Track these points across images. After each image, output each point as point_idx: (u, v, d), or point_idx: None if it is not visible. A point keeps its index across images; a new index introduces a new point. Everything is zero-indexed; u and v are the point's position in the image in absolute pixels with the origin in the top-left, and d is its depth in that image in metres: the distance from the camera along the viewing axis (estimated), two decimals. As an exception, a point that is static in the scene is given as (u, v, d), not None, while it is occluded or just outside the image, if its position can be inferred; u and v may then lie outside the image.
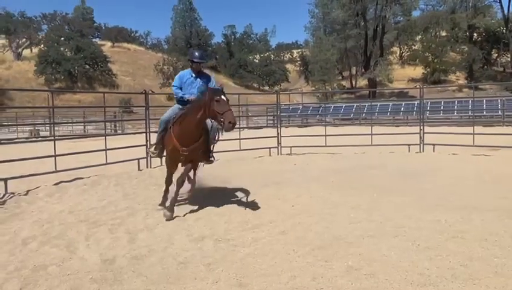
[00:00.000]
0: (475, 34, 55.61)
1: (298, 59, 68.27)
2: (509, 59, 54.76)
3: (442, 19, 55.99)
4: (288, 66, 67.38)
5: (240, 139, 11.50)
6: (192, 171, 6.40)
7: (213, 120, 5.57)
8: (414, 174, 8.30)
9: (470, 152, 10.76)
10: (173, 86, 6.35)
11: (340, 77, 61.03)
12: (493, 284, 3.31)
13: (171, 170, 6.08)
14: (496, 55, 57.32)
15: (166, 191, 6.13)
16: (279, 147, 11.89)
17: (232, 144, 11.45)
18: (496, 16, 55.61)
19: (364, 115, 27.20)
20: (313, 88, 53.90)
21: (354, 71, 59.43)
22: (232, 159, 10.86)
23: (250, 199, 6.45)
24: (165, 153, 6.25)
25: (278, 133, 11.98)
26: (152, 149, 6.54)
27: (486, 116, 25.83)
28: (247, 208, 5.89)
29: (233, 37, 72.71)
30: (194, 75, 6.26)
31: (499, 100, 26.60)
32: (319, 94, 48.93)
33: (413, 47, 60.07)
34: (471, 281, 3.37)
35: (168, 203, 5.81)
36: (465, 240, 4.31)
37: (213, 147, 6.27)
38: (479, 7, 54.83)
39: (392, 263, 3.78)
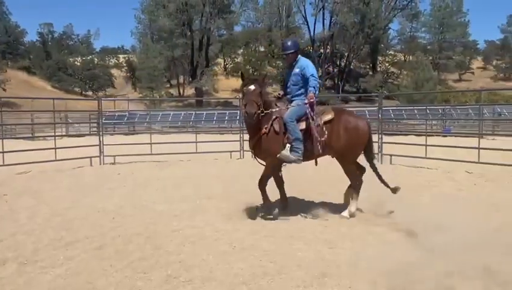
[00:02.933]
0: (288, 52, 62.13)
1: (125, 64, 65.81)
2: (315, 75, 62.68)
3: (260, 36, 60.96)
4: (114, 72, 64.37)
5: (55, 148, 10.48)
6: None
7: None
8: (235, 179, 8.73)
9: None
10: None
11: (169, 85, 61.13)
12: (296, 276, 3.68)
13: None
14: (305, 71, 65.03)
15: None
16: (102, 156, 11.22)
17: (46, 153, 10.38)
18: (304, 37, 63.22)
19: (191, 123, 27.70)
20: (141, 95, 52.69)
21: (181, 80, 60.20)
22: (46, 170, 9.85)
23: (65, 214, 5.91)
24: None
25: (100, 142, 11.30)
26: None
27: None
28: (61, 224, 5.37)
29: (50, 36, 66.01)
30: (288, 66, 5.93)
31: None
32: (147, 101, 48.03)
33: (236, 59, 63.97)
34: (279, 275, 3.70)
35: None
36: (275, 238, 4.72)
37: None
38: (291, 27, 61.58)
39: (210, 267, 3.89)
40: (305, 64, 5.67)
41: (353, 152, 5.77)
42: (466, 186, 7.71)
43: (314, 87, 5.52)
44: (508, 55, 67.57)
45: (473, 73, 68.89)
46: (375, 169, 5.98)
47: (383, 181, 5.91)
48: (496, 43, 71.28)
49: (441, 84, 56.58)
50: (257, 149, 5.57)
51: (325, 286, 3.49)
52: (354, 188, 5.79)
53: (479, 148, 9.49)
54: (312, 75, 5.57)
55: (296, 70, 5.66)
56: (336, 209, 5.86)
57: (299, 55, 5.82)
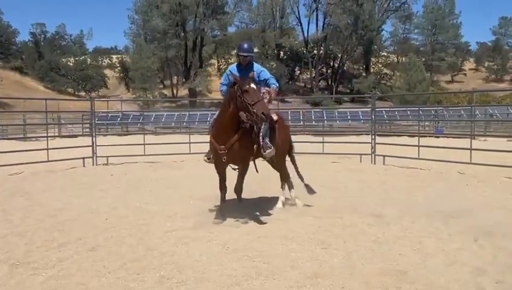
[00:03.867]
0: (282, 52, 62.39)
1: (118, 65, 65.54)
2: (309, 76, 62.92)
3: (254, 37, 61.00)
4: (107, 72, 64.15)
5: (48, 149, 10.42)
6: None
7: (246, 113, 5.00)
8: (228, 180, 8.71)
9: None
10: (221, 84, 5.88)
11: (162, 86, 60.99)
12: (289, 276, 3.69)
13: (220, 175, 5.69)
14: (299, 72, 65.27)
15: (223, 199, 5.74)
16: (95, 157, 11.17)
17: (38, 154, 10.31)
18: (298, 38, 63.42)
19: (185, 123, 27.66)
20: (134, 96, 52.54)
21: (175, 80, 60.09)
22: (39, 171, 9.80)
23: (57, 215, 5.87)
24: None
25: (93, 142, 11.24)
26: (205, 157, 5.87)
27: (291, 126, 29.03)
28: (53, 225, 5.33)
29: (43, 36, 65.59)
30: (242, 69, 5.71)
31: (301, 111, 30.29)
32: (140, 102, 47.91)
33: (230, 60, 63.96)
34: (272, 276, 3.70)
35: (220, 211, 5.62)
36: (268, 239, 4.72)
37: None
38: (284, 28, 61.70)
39: (203, 268, 3.88)
40: (261, 69, 5.87)
41: (287, 147, 6.37)
42: (458, 187, 7.75)
43: (276, 85, 5.81)
44: (499, 57, 68.25)
45: (465, 74, 69.44)
46: (294, 162, 6.55)
47: (299, 175, 6.40)
48: (488, 44, 71.94)
49: (434, 85, 56.95)
50: (234, 153, 5.31)
51: (318, 286, 3.49)
52: (284, 180, 6.31)
53: (471, 149, 9.55)
54: (271, 78, 5.84)
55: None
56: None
57: (252, 61, 5.96)
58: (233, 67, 5.82)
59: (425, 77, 49.36)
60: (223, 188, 5.70)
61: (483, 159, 9.32)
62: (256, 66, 5.87)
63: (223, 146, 5.24)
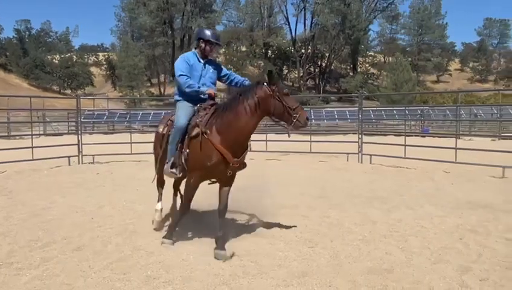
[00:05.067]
0: (270, 51, 62.42)
1: (104, 63, 64.86)
2: (297, 75, 63.08)
3: (242, 36, 60.93)
4: (94, 70, 63.45)
5: (32, 147, 10.27)
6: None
7: (276, 118, 4.29)
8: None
9: (265, 156, 11.89)
10: (181, 74, 4.60)
11: (149, 84, 60.53)
12: (277, 275, 3.69)
13: (192, 193, 4.47)
14: (287, 71, 65.39)
15: (175, 222, 4.67)
16: (80, 156, 11.04)
17: (22, 153, 10.16)
18: (286, 37, 63.51)
19: (172, 122, 27.46)
20: (120, 94, 52.07)
21: (162, 78, 59.69)
22: (23, 170, 9.65)
23: (42, 214, 5.78)
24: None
25: (78, 141, 11.11)
26: (173, 170, 4.57)
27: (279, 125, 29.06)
28: (37, 225, 5.25)
29: (27, 33, 64.59)
30: (201, 60, 4.75)
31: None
32: (127, 100, 47.51)
33: (218, 59, 63.78)
34: (260, 275, 3.69)
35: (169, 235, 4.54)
36: (256, 238, 4.72)
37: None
38: (272, 27, 61.72)
39: (190, 267, 3.86)
40: (219, 64, 5.15)
41: None
42: (444, 186, 7.83)
43: (247, 81, 5.06)
44: (483, 58, 69.23)
45: (450, 75, 70.32)
46: None
47: None
48: (473, 45, 72.94)
49: (420, 85, 57.55)
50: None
51: (305, 284, 3.50)
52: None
53: (456, 148, 9.68)
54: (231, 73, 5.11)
55: (212, 69, 4.85)
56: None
57: None
58: (188, 56, 4.76)
59: (411, 76, 49.81)
60: (187, 209, 4.56)
61: (468, 158, 9.44)
62: (214, 61, 4.99)
63: (236, 159, 4.27)
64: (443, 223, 5.25)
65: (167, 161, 4.67)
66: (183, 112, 4.57)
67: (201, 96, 4.60)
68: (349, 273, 3.70)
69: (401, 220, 5.35)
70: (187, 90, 4.58)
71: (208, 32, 4.80)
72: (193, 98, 4.61)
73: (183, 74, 4.61)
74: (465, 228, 5.04)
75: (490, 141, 15.94)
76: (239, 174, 4.57)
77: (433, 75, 68.32)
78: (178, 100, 4.76)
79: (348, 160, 11.28)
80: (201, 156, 4.23)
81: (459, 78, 69.25)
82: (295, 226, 5.11)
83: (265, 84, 4.25)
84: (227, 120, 4.21)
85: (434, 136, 19.18)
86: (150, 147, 11.48)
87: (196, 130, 4.29)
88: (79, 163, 10.90)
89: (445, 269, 3.81)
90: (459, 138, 13.61)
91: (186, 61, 4.66)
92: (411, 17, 64.48)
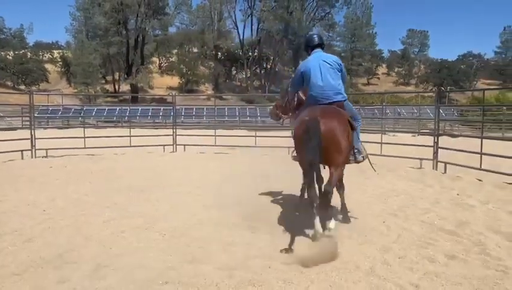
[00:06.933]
0: (219, 53, 61.93)
1: (59, 60, 61.24)
2: (244, 76, 63.13)
3: (194, 37, 59.91)
4: (48, 67, 59.70)
5: (-17, 142, 9.55)
6: None
7: None
8: (168, 171, 8.54)
9: (213, 151, 11.83)
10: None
11: (104, 81, 58.06)
12: (221, 260, 3.67)
13: None
14: (235, 72, 65.29)
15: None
16: (34, 150, 10.40)
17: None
18: (234, 40, 63.26)
19: (126, 118, 26.62)
20: (76, 90, 49.59)
21: (117, 76, 57.51)
22: (-28, 164, 8.95)
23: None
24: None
25: (31, 135, 10.46)
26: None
27: (228, 121, 29.06)
28: (-14, 219, 4.89)
29: (-21, 29, 59.67)
30: None
31: (237, 108, 30.35)
32: (82, 96, 45.34)
33: (171, 59, 62.48)
34: (206, 260, 3.67)
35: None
36: (204, 226, 4.68)
37: None
38: (222, 31, 61.20)
39: (140, 255, 3.76)
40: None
41: None
42: (371, 176, 8.16)
43: None
44: (407, 64, 72.89)
45: (378, 78, 73.30)
46: None
47: None
48: (398, 52, 76.52)
49: (353, 87, 59.41)
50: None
51: (250, 268, 3.51)
52: None
53: (381, 143, 10.12)
54: None
55: None
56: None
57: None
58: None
59: (345, 79, 51.23)
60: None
61: (392, 151, 9.91)
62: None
63: None
64: (369, 208, 5.49)
65: (355, 150, 4.85)
66: None
67: None
68: (287, 254, 3.75)
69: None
70: None
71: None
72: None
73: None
74: (388, 212, 5.30)
75: (411, 137, 16.82)
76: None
77: (364, 78, 70.77)
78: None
79: (289, 153, 11.40)
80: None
81: (386, 82, 72.35)
82: (240, 214, 5.10)
83: None
84: None
85: (363, 132, 19.90)
86: (104, 142, 11.15)
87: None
88: (32, 157, 10.27)
89: (369, 248, 3.98)
90: (385, 134, 14.23)
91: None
92: (345, 26, 66.30)
